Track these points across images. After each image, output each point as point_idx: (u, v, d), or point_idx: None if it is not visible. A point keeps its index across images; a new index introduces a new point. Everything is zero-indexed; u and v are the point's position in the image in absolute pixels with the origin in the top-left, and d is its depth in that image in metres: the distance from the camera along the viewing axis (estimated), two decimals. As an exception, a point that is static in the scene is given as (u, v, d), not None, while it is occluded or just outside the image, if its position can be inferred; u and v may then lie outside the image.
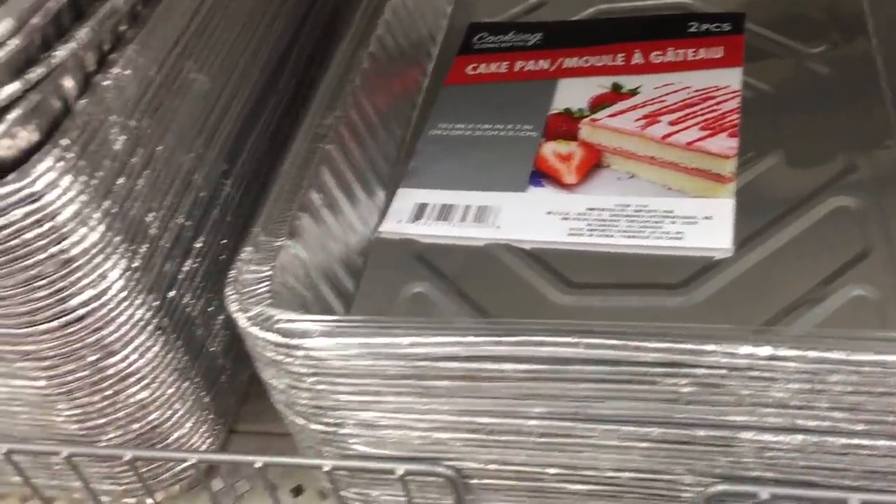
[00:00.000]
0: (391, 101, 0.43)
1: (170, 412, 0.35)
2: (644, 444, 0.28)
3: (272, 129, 0.42)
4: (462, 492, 0.32)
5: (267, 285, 0.31)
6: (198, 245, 0.36)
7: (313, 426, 0.31)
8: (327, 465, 0.31)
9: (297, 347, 0.29)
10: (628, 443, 0.28)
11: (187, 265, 0.35)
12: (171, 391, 0.34)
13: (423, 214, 0.39)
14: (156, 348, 0.33)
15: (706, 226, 0.36)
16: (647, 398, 0.27)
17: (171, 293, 0.34)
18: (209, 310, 0.37)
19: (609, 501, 0.31)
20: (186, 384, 0.35)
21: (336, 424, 0.31)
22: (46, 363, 0.31)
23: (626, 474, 0.29)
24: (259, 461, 0.32)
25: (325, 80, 0.40)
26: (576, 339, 0.26)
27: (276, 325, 0.29)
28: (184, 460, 0.36)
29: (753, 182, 0.37)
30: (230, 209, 0.38)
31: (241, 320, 0.30)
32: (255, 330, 0.29)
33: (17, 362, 0.31)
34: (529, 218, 0.38)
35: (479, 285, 0.36)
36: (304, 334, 0.29)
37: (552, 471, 0.30)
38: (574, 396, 0.27)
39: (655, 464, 0.28)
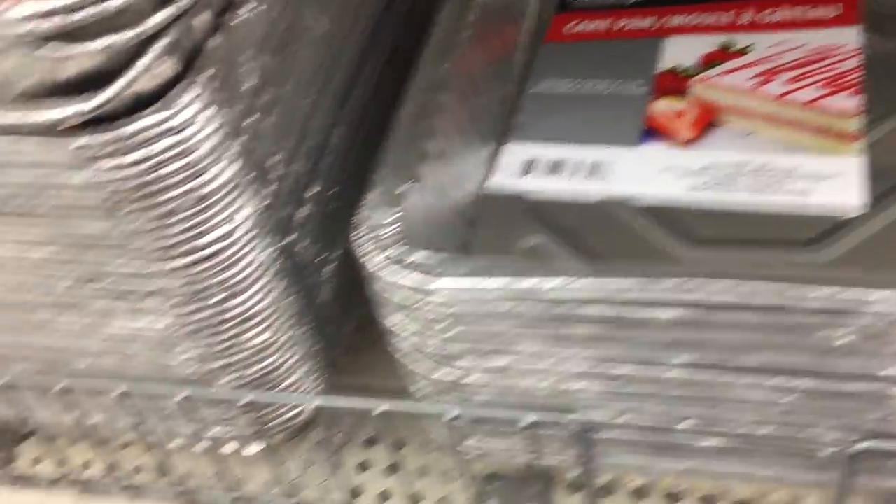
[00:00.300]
0: (495, 55, 0.43)
1: (284, 358, 0.34)
2: (790, 398, 0.27)
3: (376, 77, 0.41)
4: (587, 445, 0.31)
5: (396, 228, 0.30)
6: (312, 192, 0.36)
7: (438, 374, 0.31)
8: (452, 412, 0.31)
9: (433, 291, 0.28)
10: (773, 395, 0.27)
11: (303, 211, 0.35)
12: (286, 337, 0.34)
13: (532, 169, 0.39)
14: (275, 292, 0.33)
15: (833, 183, 0.35)
16: (800, 348, 0.26)
17: (289, 238, 0.34)
18: (319, 258, 0.36)
19: (740, 458, 0.30)
20: (301, 331, 0.35)
21: (463, 372, 0.30)
22: (172, 302, 0.31)
23: (765, 429, 0.29)
24: (382, 406, 0.32)
25: (435, 29, 0.39)
26: (734, 283, 0.25)
27: (412, 267, 0.29)
28: (295, 406, 0.36)
29: (880, 141, 0.36)
30: (339, 157, 0.38)
31: (373, 263, 0.29)
32: (387, 272, 0.29)
33: (143, 301, 0.31)
34: (645, 173, 0.37)
35: (595, 240, 0.35)
36: (442, 275, 0.28)
37: (685, 424, 0.29)
38: (722, 345, 0.27)
39: (799, 418, 0.28)
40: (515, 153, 0.39)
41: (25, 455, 0.42)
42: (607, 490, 0.36)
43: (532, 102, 0.42)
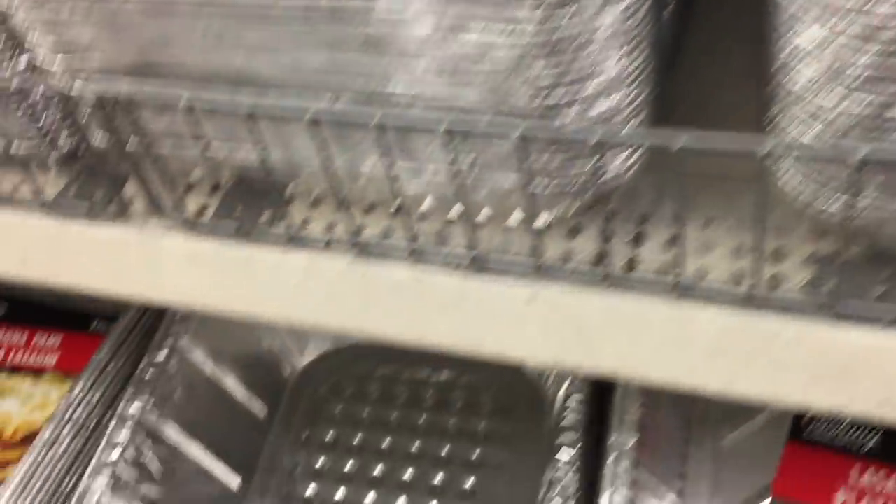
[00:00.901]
0: None
1: (629, 98, 0.30)
2: None
3: None
4: None
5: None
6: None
7: (848, 105, 0.26)
8: (862, 150, 0.26)
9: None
10: None
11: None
12: (637, 72, 0.30)
13: None
14: (640, 14, 0.28)
15: None
16: None
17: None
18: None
19: None
20: (648, 69, 0.30)
21: (889, 98, 0.26)
22: (545, 5, 0.27)
23: None
24: (766, 146, 0.28)
25: None
26: None
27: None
28: (629, 156, 0.32)
29: None
30: None
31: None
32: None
33: (507, 6, 0.27)
34: None
35: None
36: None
37: None
38: None
39: None
40: None
41: (295, 215, 0.40)
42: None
43: None
